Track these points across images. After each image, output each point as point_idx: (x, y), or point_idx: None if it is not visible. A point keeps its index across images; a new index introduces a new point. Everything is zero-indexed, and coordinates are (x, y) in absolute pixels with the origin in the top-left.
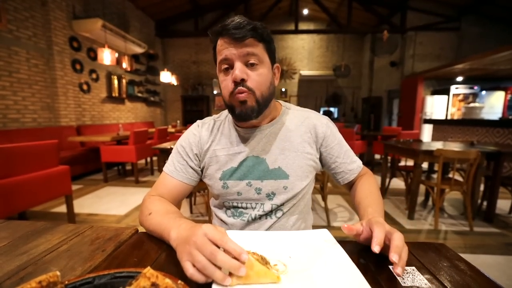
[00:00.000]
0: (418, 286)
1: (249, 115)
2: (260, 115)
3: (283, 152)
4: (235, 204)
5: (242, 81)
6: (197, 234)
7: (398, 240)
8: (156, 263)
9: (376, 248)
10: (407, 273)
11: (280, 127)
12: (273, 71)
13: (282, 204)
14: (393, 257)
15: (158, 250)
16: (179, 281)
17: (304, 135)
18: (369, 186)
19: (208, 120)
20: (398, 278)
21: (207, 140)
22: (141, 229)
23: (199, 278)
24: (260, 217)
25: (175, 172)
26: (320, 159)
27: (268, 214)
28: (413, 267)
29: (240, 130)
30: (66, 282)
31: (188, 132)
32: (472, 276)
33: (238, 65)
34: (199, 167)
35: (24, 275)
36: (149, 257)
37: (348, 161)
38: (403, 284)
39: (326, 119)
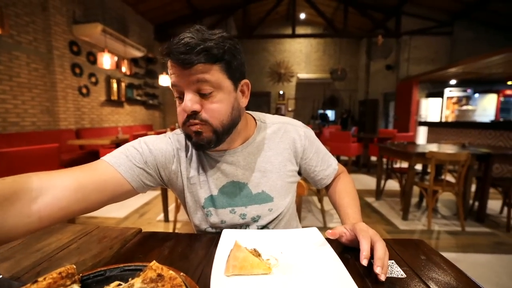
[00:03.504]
0: (395, 277)
1: (205, 146)
2: (220, 144)
3: (265, 174)
4: (218, 230)
5: (194, 113)
6: None
7: (380, 251)
8: (160, 258)
9: (364, 261)
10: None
11: (258, 147)
12: (240, 89)
13: (268, 223)
14: (377, 269)
15: (161, 248)
16: (182, 273)
17: (284, 152)
18: (345, 186)
19: (178, 142)
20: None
21: (176, 160)
22: (145, 229)
23: None
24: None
25: (122, 165)
26: (299, 170)
27: (256, 220)
28: (393, 261)
29: (212, 154)
30: (81, 274)
31: (160, 140)
32: (444, 269)
33: (189, 96)
34: (152, 183)
35: (40, 270)
36: (153, 253)
37: (325, 167)
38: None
39: (303, 129)
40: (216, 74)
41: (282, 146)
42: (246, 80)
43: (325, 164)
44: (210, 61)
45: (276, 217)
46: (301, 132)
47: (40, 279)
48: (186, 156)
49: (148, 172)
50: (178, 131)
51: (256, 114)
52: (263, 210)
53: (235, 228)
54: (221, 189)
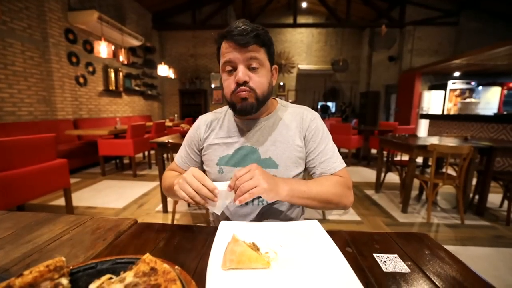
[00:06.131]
0: (399, 272)
1: (248, 111)
2: (258, 111)
3: (274, 143)
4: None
5: (244, 83)
6: (187, 173)
7: (238, 172)
8: (155, 251)
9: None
10: (389, 260)
11: (274, 121)
12: (271, 71)
13: None
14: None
15: (156, 239)
16: (176, 266)
17: (295, 129)
18: (325, 180)
19: (207, 116)
20: (381, 264)
21: (204, 134)
22: (140, 220)
23: (188, 199)
24: (252, 200)
25: (180, 161)
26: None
27: (259, 198)
28: (396, 255)
29: (238, 121)
30: (71, 267)
31: (191, 128)
32: (449, 263)
33: (241, 68)
34: (199, 159)
35: (30, 261)
36: (148, 245)
37: (324, 158)
38: (385, 270)
39: (315, 115)
40: (262, 55)
41: (294, 124)
42: (275, 66)
43: (326, 156)
44: (259, 43)
45: None
46: (311, 116)
47: (26, 272)
48: (210, 126)
49: (194, 159)
50: (210, 112)
51: (280, 100)
52: None
53: None
54: (237, 150)
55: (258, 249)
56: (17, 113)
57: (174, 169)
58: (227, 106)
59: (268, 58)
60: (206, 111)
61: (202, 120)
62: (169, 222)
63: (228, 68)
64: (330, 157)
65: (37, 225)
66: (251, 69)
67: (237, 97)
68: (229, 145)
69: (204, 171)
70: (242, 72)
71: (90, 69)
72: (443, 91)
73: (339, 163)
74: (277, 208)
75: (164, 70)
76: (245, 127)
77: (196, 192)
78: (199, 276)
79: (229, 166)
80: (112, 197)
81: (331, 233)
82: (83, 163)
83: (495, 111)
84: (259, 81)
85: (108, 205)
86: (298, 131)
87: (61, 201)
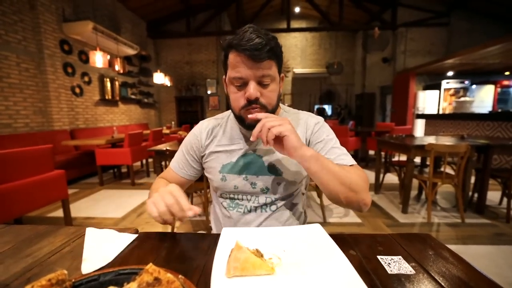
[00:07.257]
0: (404, 273)
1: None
2: None
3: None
4: (231, 196)
5: (256, 99)
6: (164, 189)
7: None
8: (157, 260)
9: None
10: (394, 262)
11: None
12: (279, 81)
13: (276, 200)
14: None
15: (158, 249)
16: (180, 276)
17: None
18: (348, 167)
19: (208, 122)
20: (385, 266)
21: (205, 140)
22: (141, 229)
23: (156, 216)
24: (256, 208)
25: (177, 167)
26: None
27: (262, 206)
28: (400, 256)
29: (241, 128)
30: (73, 280)
31: (191, 133)
32: (453, 263)
33: (253, 85)
34: (198, 165)
35: (31, 276)
36: (150, 255)
37: (332, 158)
38: (389, 272)
39: (319, 119)
40: (273, 69)
41: (298, 130)
42: (282, 74)
43: (333, 155)
44: (272, 58)
45: (284, 193)
46: (315, 120)
47: (27, 287)
48: (212, 132)
49: (192, 166)
50: (210, 118)
51: (282, 105)
52: (272, 182)
53: (246, 196)
54: (239, 157)
55: (262, 256)
56: (13, 125)
57: (165, 177)
58: (228, 112)
59: (278, 70)
60: (203, 117)
61: (203, 126)
62: (169, 230)
63: (238, 84)
64: (339, 155)
65: (37, 238)
66: (262, 85)
67: (247, 113)
68: (232, 152)
69: (202, 177)
70: (253, 88)
71: (86, 79)
72: (437, 91)
73: (347, 158)
74: (280, 215)
75: (160, 78)
76: (248, 134)
77: (168, 209)
78: (204, 284)
79: (232, 174)
80: (110, 207)
81: (334, 236)
82: (80, 174)
83: (490, 109)
84: (270, 96)
85: (107, 215)
86: (302, 136)
87: (59, 213)
